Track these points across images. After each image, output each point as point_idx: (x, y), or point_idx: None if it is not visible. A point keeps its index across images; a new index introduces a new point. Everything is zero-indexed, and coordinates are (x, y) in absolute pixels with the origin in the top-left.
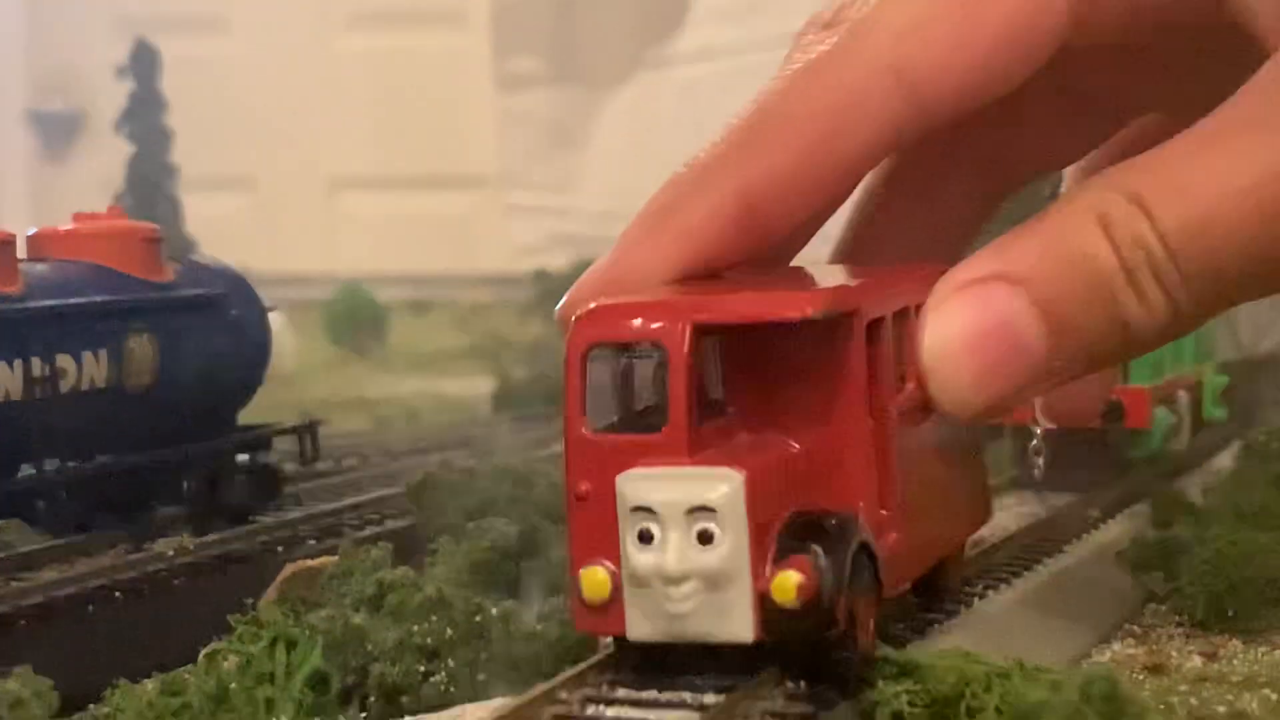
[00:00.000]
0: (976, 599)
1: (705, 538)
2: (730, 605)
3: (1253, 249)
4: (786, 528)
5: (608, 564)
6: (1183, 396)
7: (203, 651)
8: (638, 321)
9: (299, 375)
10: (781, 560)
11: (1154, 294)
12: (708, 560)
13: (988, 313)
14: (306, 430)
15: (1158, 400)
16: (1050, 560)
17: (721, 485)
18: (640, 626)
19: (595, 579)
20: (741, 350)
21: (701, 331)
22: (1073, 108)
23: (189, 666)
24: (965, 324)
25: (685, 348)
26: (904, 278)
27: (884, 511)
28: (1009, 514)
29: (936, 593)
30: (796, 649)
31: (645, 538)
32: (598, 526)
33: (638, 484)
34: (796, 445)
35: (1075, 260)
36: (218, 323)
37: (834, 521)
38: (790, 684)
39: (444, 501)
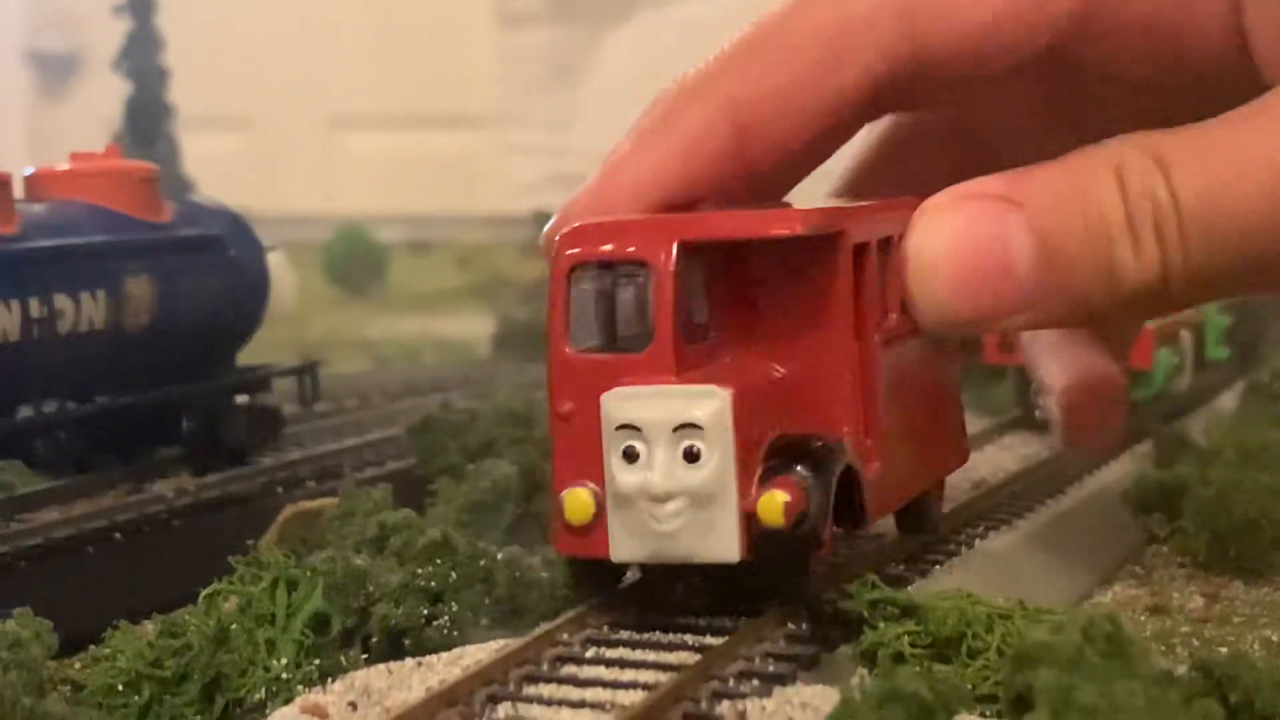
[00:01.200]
0: (978, 539)
1: (692, 455)
2: (716, 525)
3: (1257, 230)
4: (773, 449)
5: (591, 485)
6: (1185, 337)
7: (203, 593)
8: (622, 240)
9: (298, 316)
10: (768, 480)
11: (1150, 248)
12: (694, 478)
13: (982, 225)
14: (306, 371)
15: (1160, 341)
16: (1052, 501)
17: (709, 402)
18: (624, 547)
19: (579, 500)
20: (727, 273)
21: (687, 249)
22: (1061, 113)
23: (189, 608)
24: (957, 230)
25: (671, 265)
26: (892, 207)
27: (868, 440)
28: (1011, 455)
29: (918, 527)
30: (781, 571)
31: (631, 456)
32: (581, 447)
33: (623, 402)
34: (781, 369)
35: (1081, 198)
36: (216, 263)
37: (820, 445)
38: (791, 625)
39: (444, 442)
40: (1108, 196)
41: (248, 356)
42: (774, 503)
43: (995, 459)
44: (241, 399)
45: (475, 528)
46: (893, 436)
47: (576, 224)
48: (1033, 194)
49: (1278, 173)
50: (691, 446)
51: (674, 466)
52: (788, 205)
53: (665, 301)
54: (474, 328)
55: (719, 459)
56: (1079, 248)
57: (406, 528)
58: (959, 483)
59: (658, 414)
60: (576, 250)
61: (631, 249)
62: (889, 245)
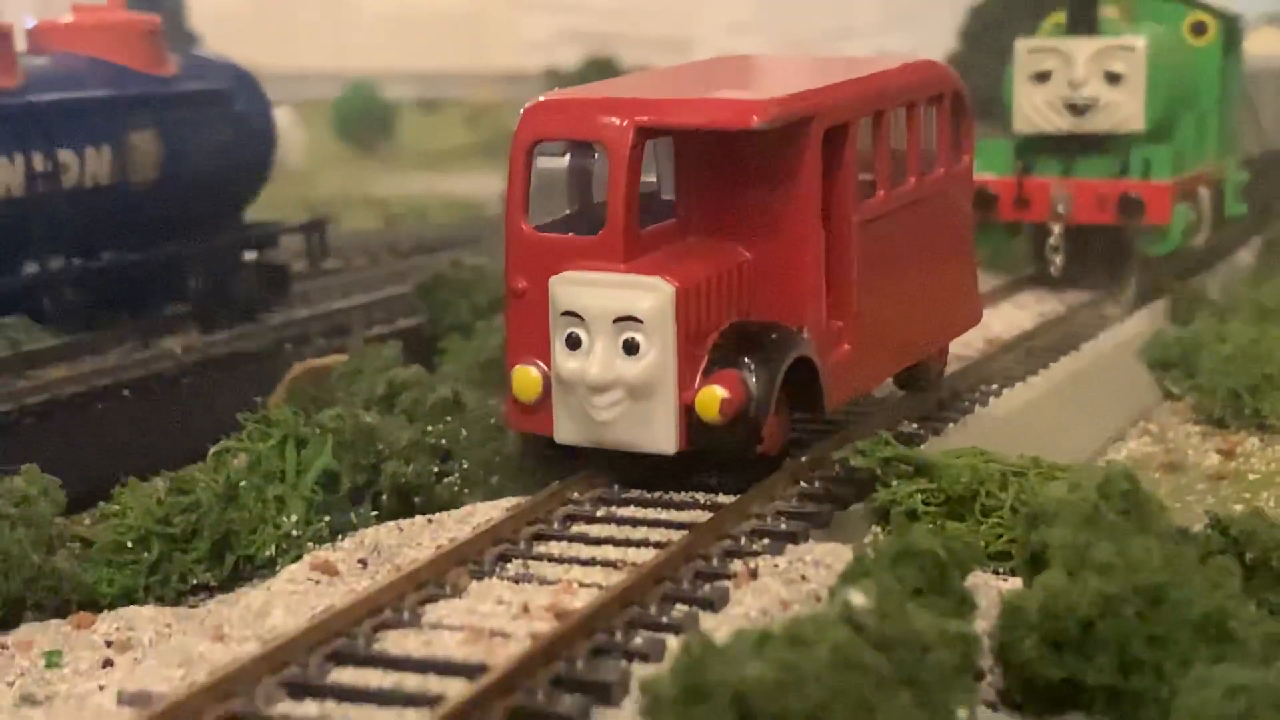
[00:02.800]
0: (991, 397)
1: (631, 347)
2: (653, 416)
3: None
4: (723, 339)
5: (540, 364)
6: (1204, 193)
7: (212, 450)
8: (583, 120)
9: (306, 172)
10: (710, 374)
11: None
12: (632, 370)
13: None
14: (314, 228)
15: (1179, 196)
16: (1067, 358)
17: (650, 296)
18: (566, 430)
19: (527, 378)
20: (694, 152)
21: (645, 134)
22: None
23: (198, 465)
24: None
25: (627, 150)
26: (890, 78)
27: (838, 323)
28: (1026, 312)
29: (917, 387)
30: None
31: (573, 343)
32: (532, 326)
33: (569, 288)
34: (746, 254)
35: None
36: (222, 118)
37: (773, 335)
38: (804, 483)
39: (454, 300)
40: None
41: (255, 213)
42: (711, 398)
43: (1010, 316)
44: (249, 256)
45: (485, 385)
46: (874, 314)
47: (541, 98)
48: None
49: None
50: (631, 339)
51: (613, 357)
52: (773, 64)
53: (619, 186)
54: (483, 186)
55: (658, 352)
56: None
57: (416, 385)
58: (973, 340)
59: (600, 303)
60: (538, 126)
61: (591, 128)
62: (881, 120)
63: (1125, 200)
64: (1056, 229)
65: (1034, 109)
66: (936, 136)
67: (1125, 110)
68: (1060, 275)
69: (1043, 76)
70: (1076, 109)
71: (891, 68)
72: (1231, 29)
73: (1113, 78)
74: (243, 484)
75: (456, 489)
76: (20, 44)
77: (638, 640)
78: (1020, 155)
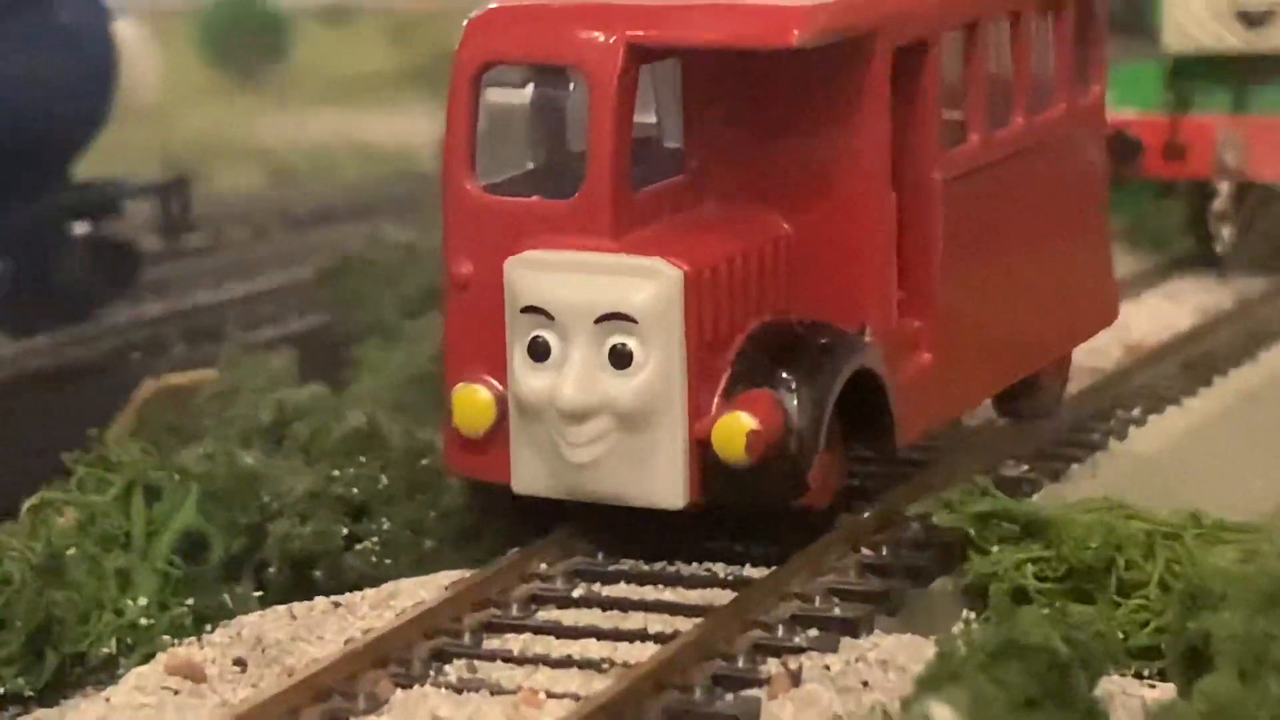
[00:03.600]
0: (1132, 427)
1: (621, 358)
2: (652, 455)
3: None
4: (751, 345)
5: (493, 383)
6: None
7: (26, 504)
8: (552, 34)
9: (163, 110)
10: (734, 394)
11: None
12: (622, 391)
13: None
14: (173, 189)
15: None
16: (1236, 371)
17: (649, 284)
18: (529, 475)
19: (473, 402)
20: (710, 82)
21: (641, 55)
22: None
23: (7, 525)
24: None
25: (615, 77)
26: None
27: (915, 322)
28: (1180, 306)
29: (1028, 414)
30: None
31: (539, 352)
32: (482, 328)
33: (533, 274)
34: (784, 226)
35: None
36: (42, 30)
37: (823, 340)
38: (866, 550)
39: (371, 291)
40: None
41: (90, 169)
42: (734, 429)
43: (1158, 312)
44: (80, 229)
45: (414, 412)
46: (966, 311)
47: (492, 5)
48: None
49: None
50: (621, 345)
51: (595, 372)
52: None
53: (604, 129)
54: (413, 128)
55: (659, 364)
56: None
57: (316, 411)
58: (1106, 347)
59: (577, 296)
60: (488, 43)
61: (563, 49)
62: (976, 35)
63: None
64: (1224, 189)
65: (1193, 19)
66: (1055, 58)
67: None
68: (1229, 254)
69: None
70: (1251, 19)
71: None
72: None
73: None
74: (70, 552)
75: (374, 559)
76: None
77: None
78: (1174, 85)
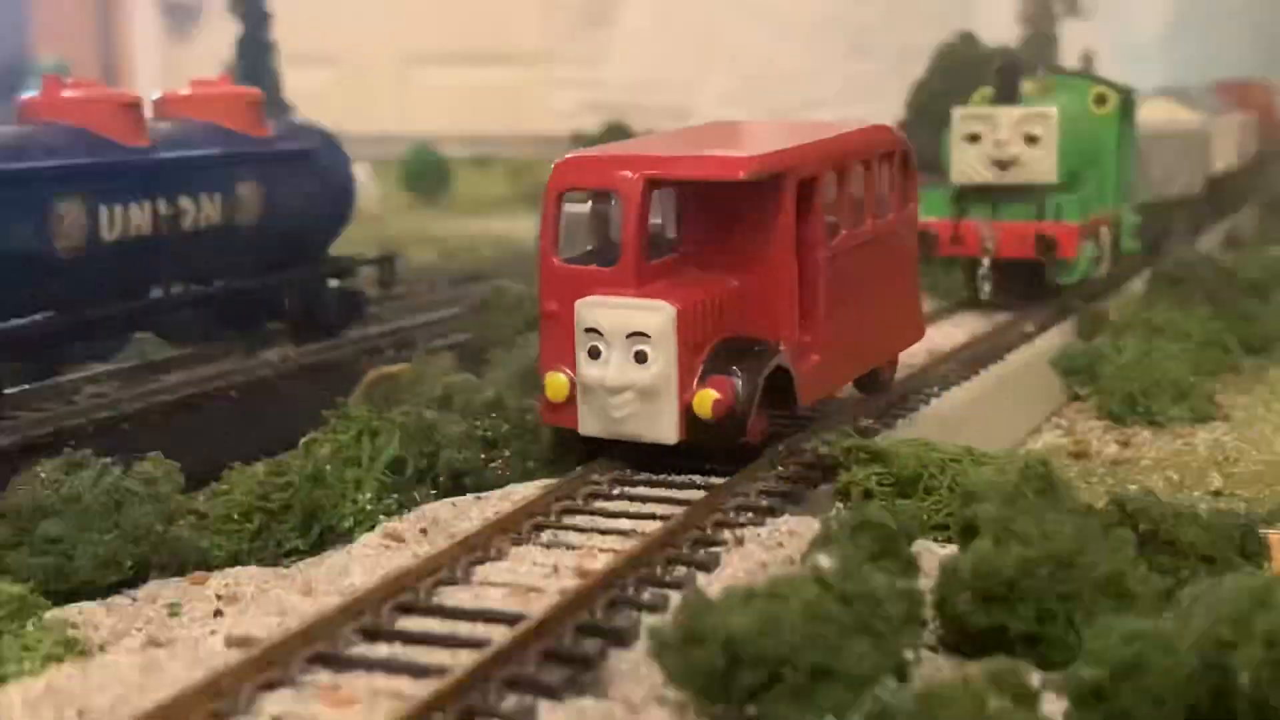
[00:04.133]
0: (933, 398)
1: (641, 358)
2: (659, 413)
3: None
4: (714, 352)
5: (567, 371)
6: (1104, 232)
7: (302, 440)
8: (602, 172)
9: (379, 216)
10: (705, 380)
11: None
12: (642, 376)
13: None
14: (386, 261)
15: (1084, 235)
16: (994, 366)
17: (656, 315)
18: (589, 424)
19: (557, 382)
20: (692, 198)
21: (652, 184)
22: None
23: (291, 453)
24: None
25: (638, 197)
26: (850, 140)
27: (809, 337)
28: (961, 329)
29: (872, 390)
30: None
31: (594, 354)
32: (561, 340)
33: (592, 309)
34: (735, 282)
35: None
36: (310, 171)
37: (756, 348)
38: (781, 468)
39: (498, 320)
40: None
41: (338, 249)
42: (705, 399)
43: (948, 333)
44: (333, 283)
45: (523, 389)
46: (837, 330)
47: (568, 156)
48: None
49: None
50: (641, 350)
51: (627, 365)
52: (761, 129)
53: (631, 227)
54: (522, 228)
55: (663, 362)
56: None
57: (467, 389)
58: (918, 352)
59: (616, 322)
60: (567, 177)
61: (609, 180)
62: (843, 173)
63: (1041, 238)
64: (985, 262)
65: (967, 164)
66: (888, 187)
67: (1041, 166)
68: (987, 300)
69: (974, 138)
70: (1001, 165)
71: (851, 131)
72: (1127, 101)
73: (1031, 139)
74: (327, 468)
75: (500, 473)
76: (148, 112)
77: (646, 595)
78: (956, 202)
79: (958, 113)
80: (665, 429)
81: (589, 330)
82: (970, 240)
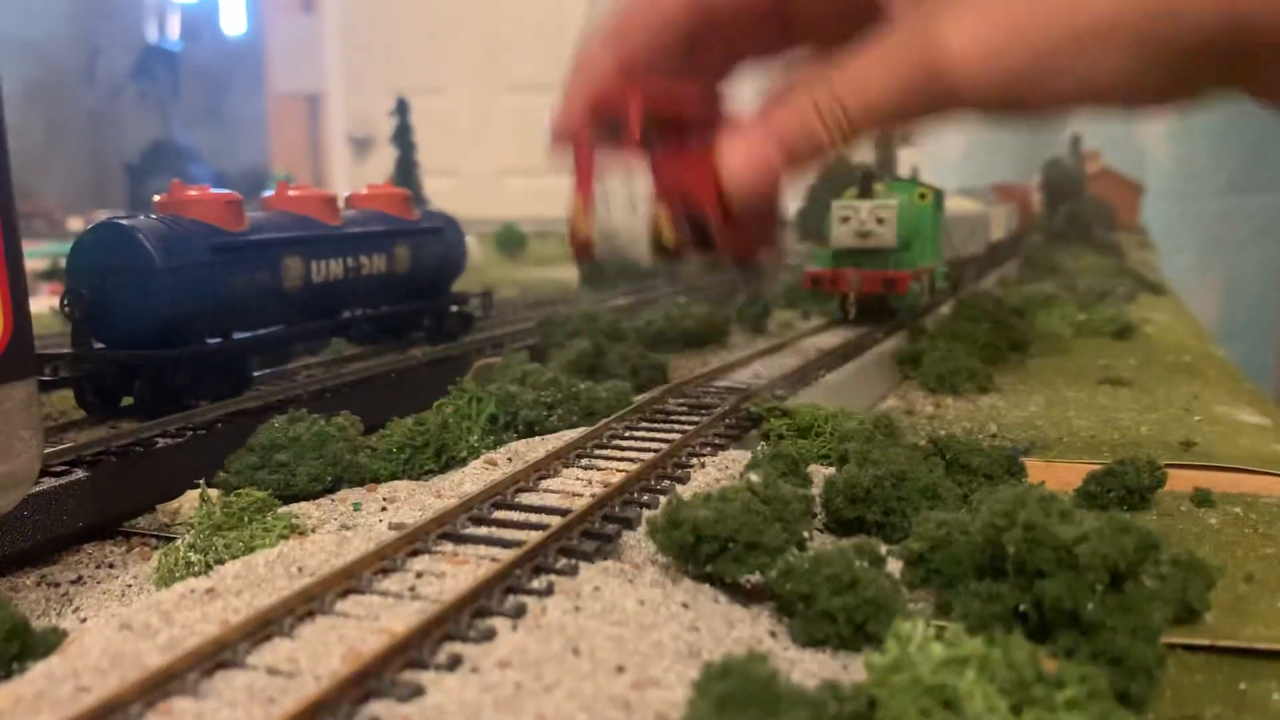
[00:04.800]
0: (821, 377)
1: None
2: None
3: (886, 107)
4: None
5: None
6: (924, 276)
7: (435, 404)
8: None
9: (481, 268)
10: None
11: (835, 129)
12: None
13: (759, 145)
14: (486, 295)
15: (913, 279)
16: (858, 358)
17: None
18: (600, 252)
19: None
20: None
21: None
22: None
23: (428, 412)
24: (748, 149)
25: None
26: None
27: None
28: (837, 337)
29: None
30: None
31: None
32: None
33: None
34: None
35: (801, 122)
36: (440, 241)
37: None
38: (727, 421)
39: (554, 330)
40: (811, 119)
41: (457, 287)
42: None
43: (830, 340)
44: (454, 308)
45: (570, 372)
46: None
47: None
48: (779, 125)
49: (890, 70)
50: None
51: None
52: None
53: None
54: (570, 274)
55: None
56: (802, 142)
57: (535, 373)
58: (811, 349)
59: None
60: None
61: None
62: None
63: (886, 280)
64: (851, 296)
65: (842, 235)
66: None
67: (886, 236)
68: (854, 319)
69: (845, 219)
70: (862, 235)
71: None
72: (938, 196)
73: (880, 220)
74: (450, 421)
75: (557, 422)
76: (341, 204)
77: (645, 497)
78: (835, 258)
79: (835, 203)
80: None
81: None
82: (843, 282)
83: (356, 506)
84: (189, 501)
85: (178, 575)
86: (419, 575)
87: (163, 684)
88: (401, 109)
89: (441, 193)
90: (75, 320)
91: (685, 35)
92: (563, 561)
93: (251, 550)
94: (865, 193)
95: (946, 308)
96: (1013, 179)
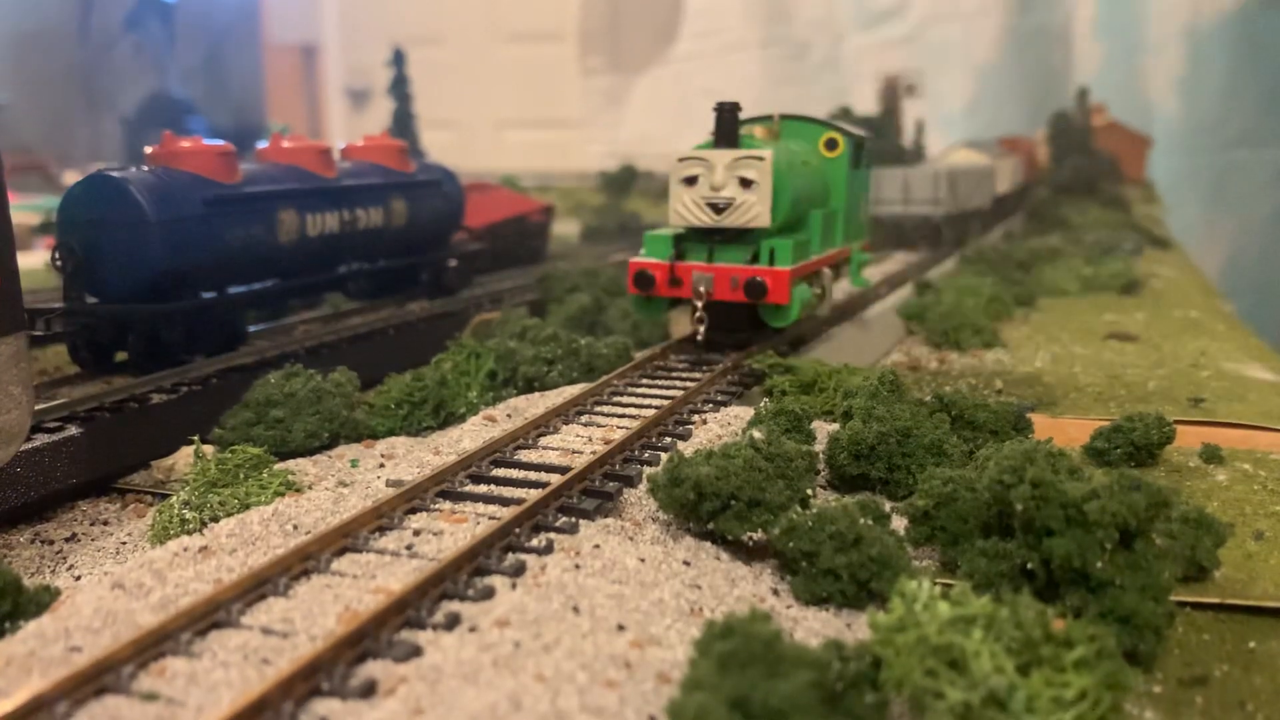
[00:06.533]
0: (827, 334)
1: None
2: None
3: None
4: None
5: None
6: (826, 273)
7: (433, 359)
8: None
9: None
10: None
11: None
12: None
13: None
14: (484, 249)
15: (798, 280)
16: (861, 314)
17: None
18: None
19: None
20: None
21: None
22: None
23: (427, 366)
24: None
25: None
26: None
27: None
28: (840, 292)
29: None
30: None
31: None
32: None
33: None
34: None
35: None
36: (437, 193)
37: None
38: (730, 377)
39: (554, 285)
40: None
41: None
42: None
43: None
44: (452, 262)
45: (570, 328)
46: None
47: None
48: None
49: None
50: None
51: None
52: None
53: None
54: (570, 228)
55: None
56: None
57: (535, 327)
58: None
59: None
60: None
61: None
62: None
63: (751, 284)
64: (699, 304)
65: (684, 207)
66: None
67: (755, 210)
68: (703, 341)
69: (690, 180)
70: (717, 208)
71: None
72: (859, 146)
73: (745, 182)
74: (449, 377)
75: (556, 378)
76: (336, 156)
77: (646, 455)
78: (676, 245)
79: (675, 156)
80: None
81: None
82: (688, 282)
83: (354, 463)
84: (184, 458)
85: (172, 532)
86: (417, 533)
87: (156, 644)
88: (398, 60)
89: (440, 145)
90: (66, 274)
91: None
92: (562, 519)
93: (247, 507)
94: (723, 139)
95: (952, 262)
96: (1019, 132)
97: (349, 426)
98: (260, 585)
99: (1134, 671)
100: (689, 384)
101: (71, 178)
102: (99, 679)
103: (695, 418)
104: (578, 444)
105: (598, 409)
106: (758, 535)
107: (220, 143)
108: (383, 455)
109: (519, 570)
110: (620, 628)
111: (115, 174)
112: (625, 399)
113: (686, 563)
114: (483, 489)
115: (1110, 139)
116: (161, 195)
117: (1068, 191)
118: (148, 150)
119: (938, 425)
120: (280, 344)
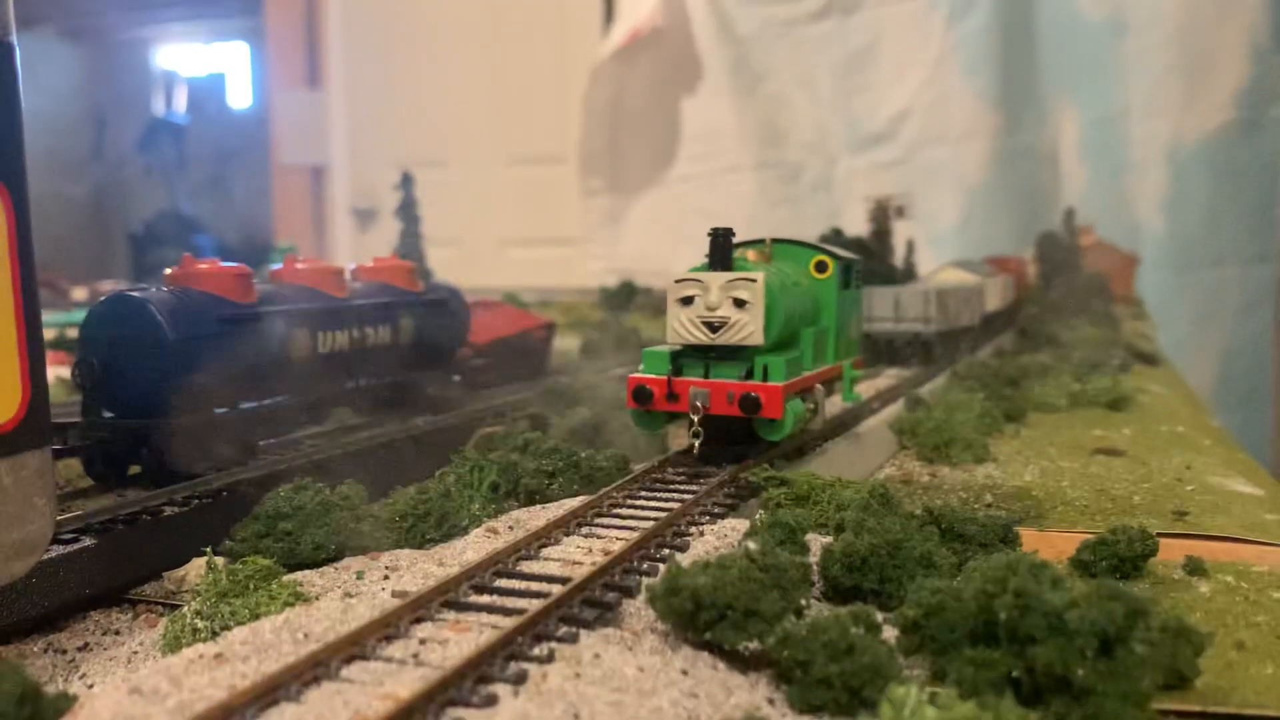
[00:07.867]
0: (821, 448)
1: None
2: None
3: None
4: None
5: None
6: (819, 388)
7: (438, 472)
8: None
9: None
10: None
11: None
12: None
13: None
14: (490, 363)
15: (790, 394)
16: (855, 428)
17: None
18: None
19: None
20: None
21: None
22: None
23: (431, 479)
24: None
25: None
26: None
27: None
28: (834, 407)
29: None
30: None
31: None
32: None
33: None
34: None
35: None
36: (444, 311)
37: None
38: (727, 489)
39: (555, 399)
40: None
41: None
42: None
43: (829, 411)
44: (456, 378)
45: (571, 441)
46: None
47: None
48: None
49: None
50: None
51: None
52: None
53: None
54: (571, 343)
55: None
56: None
57: (537, 441)
58: (815, 421)
59: None
60: None
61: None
62: None
63: (745, 399)
64: (696, 418)
65: (681, 325)
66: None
67: (749, 328)
68: (699, 455)
69: (687, 300)
70: (712, 327)
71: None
72: (848, 268)
73: (739, 302)
74: (453, 489)
75: (557, 492)
76: (347, 276)
77: (645, 566)
78: (673, 361)
79: (673, 279)
80: None
81: None
82: (685, 397)
83: (360, 575)
84: (195, 569)
85: (184, 641)
86: (422, 642)
87: None
88: (406, 183)
89: (444, 262)
90: (86, 390)
91: None
92: (564, 629)
93: (257, 617)
94: (718, 262)
95: (943, 378)
96: (1009, 250)
97: (355, 539)
98: (273, 691)
99: None
100: (686, 496)
101: (79, 294)
102: None
103: (693, 529)
104: (578, 555)
105: (598, 521)
106: (754, 645)
107: (236, 265)
108: (388, 566)
109: (521, 678)
110: None
111: (136, 294)
112: (624, 510)
113: (684, 671)
114: (486, 599)
115: (1098, 257)
116: (180, 314)
117: (1057, 309)
118: (167, 272)
119: (927, 538)
120: (289, 457)
